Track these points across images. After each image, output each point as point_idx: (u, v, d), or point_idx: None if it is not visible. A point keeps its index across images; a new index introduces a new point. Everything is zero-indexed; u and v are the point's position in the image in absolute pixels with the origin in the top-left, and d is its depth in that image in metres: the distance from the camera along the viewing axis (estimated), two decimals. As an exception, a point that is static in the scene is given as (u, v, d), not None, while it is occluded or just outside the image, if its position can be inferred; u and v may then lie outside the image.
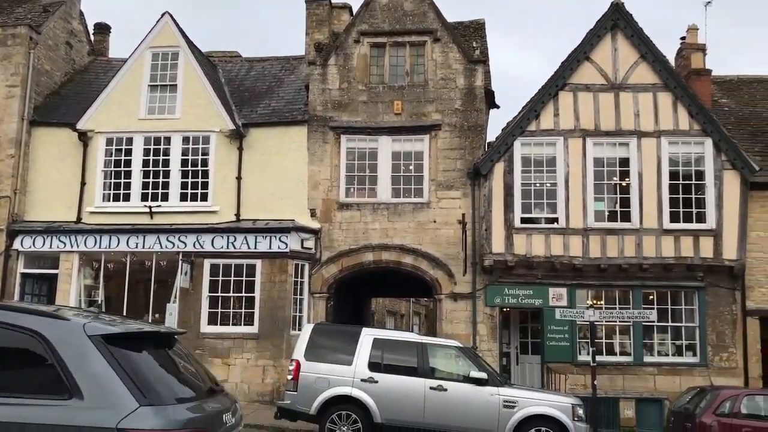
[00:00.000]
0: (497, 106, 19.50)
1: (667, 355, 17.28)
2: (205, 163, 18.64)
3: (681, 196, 17.12)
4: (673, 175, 17.19)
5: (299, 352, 12.51)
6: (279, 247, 17.75)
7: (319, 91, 18.86)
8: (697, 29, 20.74)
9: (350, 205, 18.33)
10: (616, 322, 16.79)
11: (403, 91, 18.61)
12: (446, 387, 12.01)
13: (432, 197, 18.11)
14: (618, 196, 17.39)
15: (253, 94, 20.31)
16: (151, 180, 18.64)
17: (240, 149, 18.64)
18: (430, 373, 12.23)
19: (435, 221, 17.97)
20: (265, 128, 18.94)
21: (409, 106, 18.50)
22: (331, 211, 18.33)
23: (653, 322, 16.70)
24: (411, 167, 18.34)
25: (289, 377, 12.48)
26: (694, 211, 17.07)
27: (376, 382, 12.04)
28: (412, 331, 24.84)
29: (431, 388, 11.99)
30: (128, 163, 18.76)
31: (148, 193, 18.57)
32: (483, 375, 12.04)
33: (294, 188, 18.48)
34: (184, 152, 18.69)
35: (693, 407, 12.84)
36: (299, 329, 16.21)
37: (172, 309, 17.63)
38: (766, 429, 12.28)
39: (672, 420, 13.30)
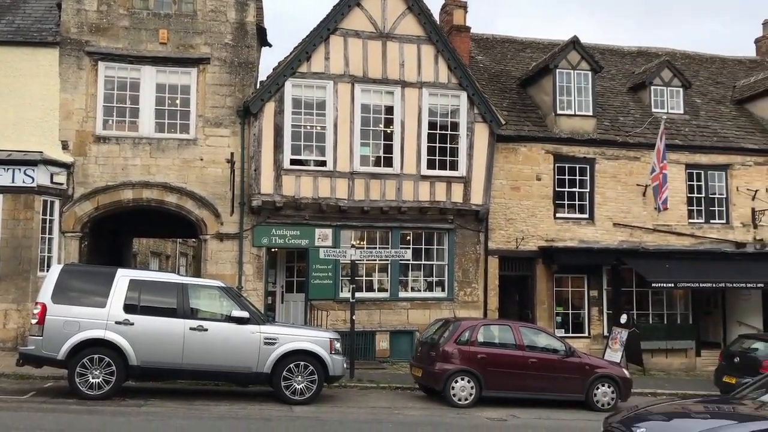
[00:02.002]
0: (269, 45, 19.24)
1: (420, 290, 18.70)
2: (-70, 82, 16.19)
3: (437, 145, 18.33)
4: (432, 125, 18.31)
5: (45, 294, 11.60)
6: (24, 182, 16.12)
7: (74, 11, 17.16)
8: (461, -13, 21.99)
9: (108, 139, 17.13)
10: (375, 260, 17.78)
11: (169, 20, 17.57)
12: (207, 327, 11.91)
13: (199, 134, 17.52)
14: (382, 142, 18.15)
15: (-6, 7, 17.91)
16: None
17: (-24, 69, 16.44)
18: (191, 313, 12.04)
19: (202, 159, 17.46)
20: (7, 48, 16.88)
21: (176, 36, 17.55)
22: (87, 145, 16.99)
23: (409, 260, 17.98)
24: (177, 101, 17.53)
25: (34, 321, 11.58)
26: (448, 159, 18.40)
27: (132, 324, 11.59)
28: (177, 273, 24.20)
29: (191, 328, 11.82)
30: None
31: None
32: (245, 314, 12.11)
33: (42, 117, 16.80)
34: None
35: (438, 337, 14.06)
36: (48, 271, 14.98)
37: None
38: (497, 354, 13.83)
39: (419, 349, 14.48)
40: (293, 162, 17.52)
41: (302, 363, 12.13)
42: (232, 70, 17.75)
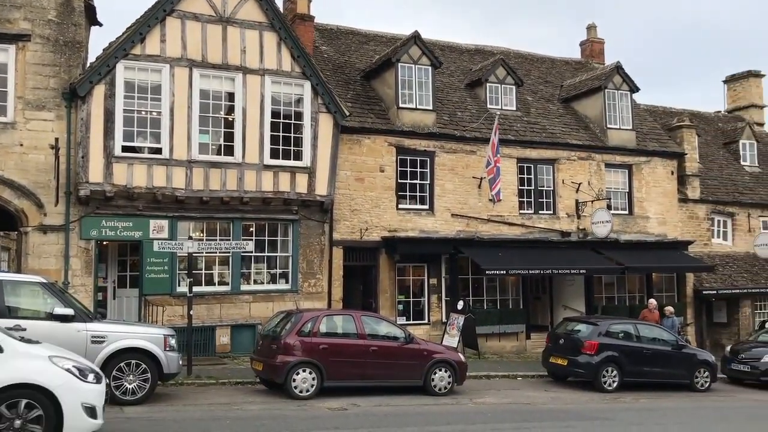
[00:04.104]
0: (100, 24, 17.95)
1: (262, 283, 18.36)
2: None
3: (281, 134, 18.05)
4: (275, 114, 17.99)
5: None
6: None
7: None
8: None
9: None
10: (215, 253, 17.23)
11: (-18, -9, 15.94)
12: (25, 326, 10.90)
13: (18, 117, 16.05)
14: (223, 130, 17.60)
15: None
16: None
17: None
18: (8, 313, 11.01)
19: (22, 144, 16.01)
20: None
21: (-9, 9, 15.97)
22: None
23: (251, 252, 17.60)
24: (-8, 81, 15.95)
25: None
26: (292, 149, 18.19)
27: (-65, 326, 10.36)
28: (-5, 269, 22.15)
29: (8, 329, 10.78)
30: None
31: None
32: (69, 311, 11.25)
33: None
34: None
35: (280, 329, 13.87)
36: None
37: None
38: (339, 344, 13.87)
39: (261, 342, 14.21)
40: (125, 149, 16.52)
41: (134, 361, 11.51)
42: (56, 49, 16.41)
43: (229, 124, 17.60)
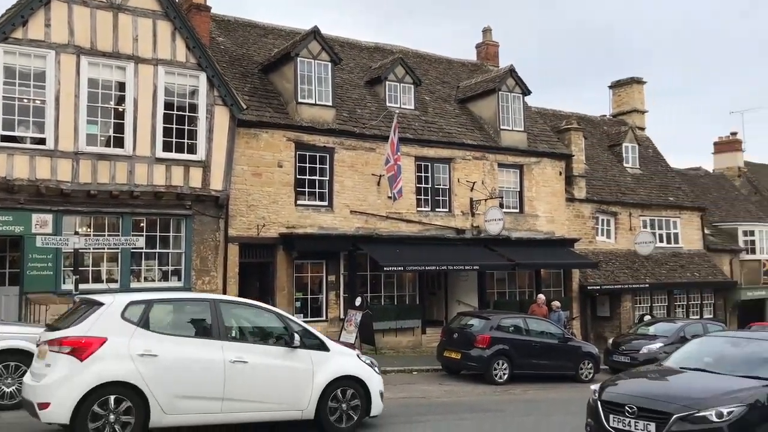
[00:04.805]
0: (-24, 4, 16.81)
1: (154, 281, 17.75)
2: None
3: (175, 126, 17.51)
4: (168, 105, 17.43)
5: None
6: None
7: None
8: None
9: None
10: (104, 249, 16.52)
11: None
12: None
13: None
14: (113, 121, 16.87)
15: None
16: None
17: None
18: None
19: None
20: None
21: None
22: None
23: (141, 248, 16.95)
24: None
25: None
26: (186, 142, 17.68)
27: None
28: None
29: None
30: None
31: None
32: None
33: None
34: None
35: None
36: None
37: None
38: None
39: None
40: (5, 138, 15.55)
41: (13, 363, 10.83)
42: (-74, 28, 15.22)
43: (120, 115, 16.90)
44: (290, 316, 10.09)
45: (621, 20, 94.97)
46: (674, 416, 7.42)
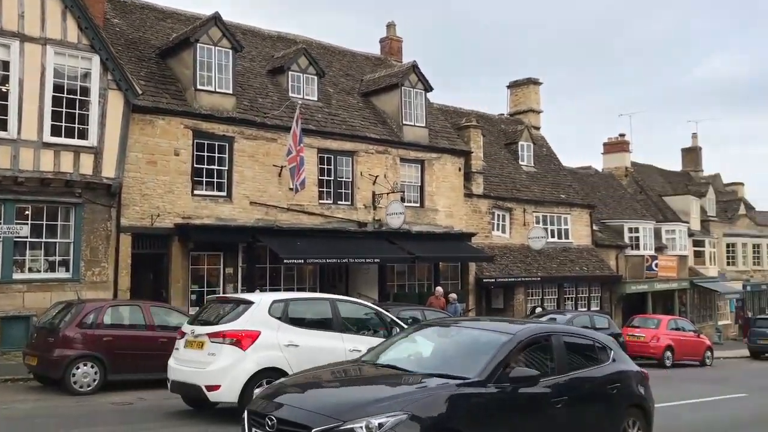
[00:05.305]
0: None
1: (39, 271, 16.84)
2: None
3: (64, 110, 16.65)
4: (58, 88, 16.53)
5: None
6: None
7: None
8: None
9: None
10: (-17, 238, 15.49)
11: None
12: None
13: None
14: (-5, 101, 15.86)
15: None
16: None
17: None
18: None
19: None
20: None
21: None
22: None
23: (25, 237, 16.05)
24: None
25: None
26: (77, 127, 16.85)
27: None
28: None
29: None
30: None
31: None
32: None
33: None
34: None
35: (58, 321, 12.86)
36: None
37: None
38: (125, 336, 13.16)
39: (35, 335, 13.07)
40: None
41: None
42: None
43: (3, 96, 15.90)
44: (384, 311, 11.68)
45: (520, 22, 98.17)
46: (313, 430, 5.80)
